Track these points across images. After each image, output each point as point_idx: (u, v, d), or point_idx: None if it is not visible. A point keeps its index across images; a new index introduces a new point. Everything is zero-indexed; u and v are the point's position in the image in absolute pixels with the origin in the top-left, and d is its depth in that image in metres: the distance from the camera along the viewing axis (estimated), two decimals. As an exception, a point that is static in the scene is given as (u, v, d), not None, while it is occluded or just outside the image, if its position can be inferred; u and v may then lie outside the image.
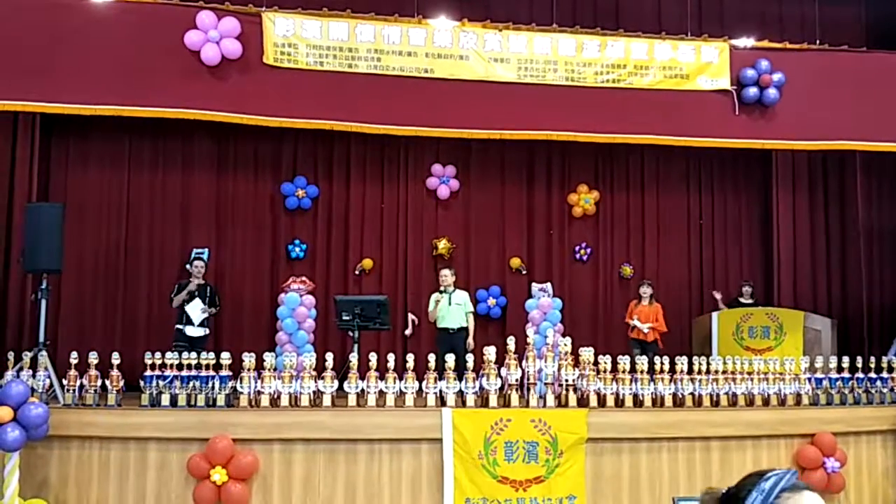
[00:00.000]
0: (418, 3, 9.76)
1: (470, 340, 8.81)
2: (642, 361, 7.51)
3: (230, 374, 6.96)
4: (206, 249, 10.17)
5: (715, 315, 10.15)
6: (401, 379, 7.05)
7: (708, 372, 7.55)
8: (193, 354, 7.04)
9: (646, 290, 9.88)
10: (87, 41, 8.44)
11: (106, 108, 8.56)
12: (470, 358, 7.30)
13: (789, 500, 1.77)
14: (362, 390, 7.00)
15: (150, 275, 10.16)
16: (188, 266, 9.30)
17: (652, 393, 7.33)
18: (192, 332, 8.76)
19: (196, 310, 8.80)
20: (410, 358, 7.15)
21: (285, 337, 9.04)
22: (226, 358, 6.97)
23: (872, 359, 7.94)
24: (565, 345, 7.38)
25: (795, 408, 7.57)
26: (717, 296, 10.68)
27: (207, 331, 8.95)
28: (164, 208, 10.33)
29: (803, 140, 9.96)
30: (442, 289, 9.00)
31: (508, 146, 10.51)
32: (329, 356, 7.06)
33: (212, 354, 7.02)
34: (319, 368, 7.06)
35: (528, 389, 7.21)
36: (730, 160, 11.45)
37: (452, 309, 8.91)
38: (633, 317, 9.78)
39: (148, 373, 6.88)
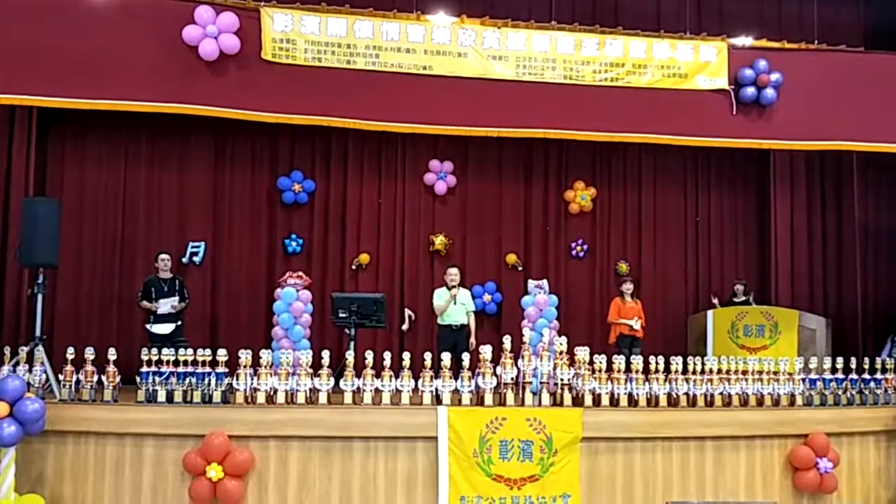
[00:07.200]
0: (417, -1, 9.77)
1: (472, 339, 8.84)
2: (638, 361, 7.51)
3: (226, 370, 6.96)
4: (203, 243, 10.19)
5: (710, 313, 10.18)
6: (397, 377, 7.06)
7: (703, 372, 7.58)
8: (190, 351, 7.03)
9: (628, 287, 9.82)
10: (84, 36, 8.44)
11: (103, 103, 8.58)
12: (466, 356, 7.31)
13: None
14: (358, 388, 7.01)
15: (147, 270, 10.03)
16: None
17: (647, 392, 7.34)
18: (160, 329, 8.70)
19: (166, 306, 8.78)
20: (407, 356, 7.15)
21: (281, 332, 9.02)
22: (222, 354, 6.97)
23: (866, 359, 7.97)
24: (561, 344, 7.39)
25: (789, 408, 7.59)
26: (715, 301, 10.67)
27: (178, 323, 8.88)
28: (160, 203, 10.32)
29: (801, 140, 10.00)
30: (449, 286, 9.02)
31: (506, 143, 10.51)
32: (325, 353, 7.07)
33: (208, 350, 7.01)
34: (316, 365, 7.07)
35: (524, 388, 7.23)
36: (727, 159, 11.47)
37: (457, 307, 8.93)
38: (621, 315, 9.73)
39: (144, 369, 6.88)
